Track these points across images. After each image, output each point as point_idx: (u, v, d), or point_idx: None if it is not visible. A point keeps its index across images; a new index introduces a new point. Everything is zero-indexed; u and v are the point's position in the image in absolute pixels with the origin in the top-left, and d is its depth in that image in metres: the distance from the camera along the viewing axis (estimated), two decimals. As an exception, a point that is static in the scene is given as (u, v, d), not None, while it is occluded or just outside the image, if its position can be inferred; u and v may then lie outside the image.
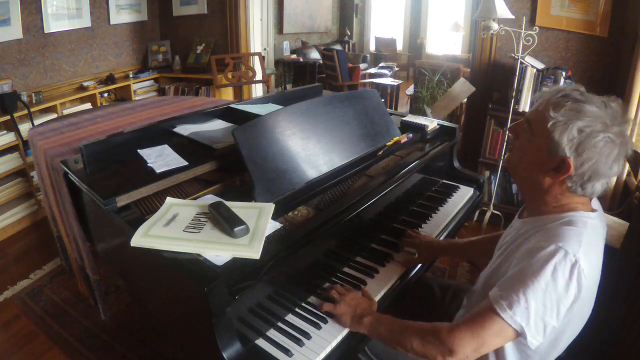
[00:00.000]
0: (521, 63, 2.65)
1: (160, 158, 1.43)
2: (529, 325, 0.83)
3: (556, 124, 0.87)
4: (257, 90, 4.47)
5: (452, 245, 1.46)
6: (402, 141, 1.66)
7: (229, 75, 3.42)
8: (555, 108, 0.88)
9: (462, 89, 2.96)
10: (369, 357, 1.20)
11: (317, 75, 6.59)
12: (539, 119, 0.91)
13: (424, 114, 3.47)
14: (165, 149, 1.51)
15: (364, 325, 1.03)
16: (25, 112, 2.90)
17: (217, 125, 1.77)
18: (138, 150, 1.49)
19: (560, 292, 0.83)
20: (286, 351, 1.01)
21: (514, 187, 2.97)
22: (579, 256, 0.83)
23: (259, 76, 3.66)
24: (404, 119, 1.88)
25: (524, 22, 2.53)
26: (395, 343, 0.97)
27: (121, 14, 3.92)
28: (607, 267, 1.80)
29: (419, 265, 1.39)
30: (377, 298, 1.20)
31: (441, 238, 1.54)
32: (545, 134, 0.89)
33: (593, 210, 0.95)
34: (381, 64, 7.08)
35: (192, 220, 1.11)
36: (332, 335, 1.06)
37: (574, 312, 0.89)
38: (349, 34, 8.50)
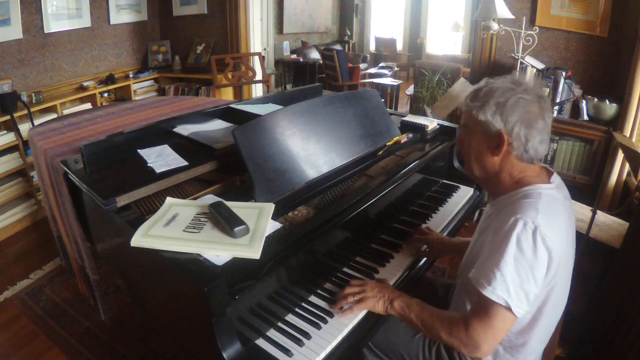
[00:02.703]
0: (521, 63, 2.66)
1: (160, 158, 1.43)
2: (511, 296, 0.90)
3: (478, 108, 1.00)
4: (257, 90, 4.47)
5: (464, 244, 1.46)
6: (402, 141, 1.66)
7: (229, 75, 3.42)
8: (472, 99, 1.02)
9: (462, 89, 2.96)
10: (373, 351, 1.21)
11: (317, 75, 6.58)
12: (467, 116, 1.05)
13: (424, 114, 3.47)
14: (165, 149, 1.51)
15: (395, 309, 1.08)
16: (25, 112, 2.90)
17: (217, 125, 1.77)
18: (138, 150, 1.49)
19: (530, 258, 0.90)
20: (286, 351, 1.01)
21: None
22: (537, 222, 0.91)
23: (259, 76, 3.66)
24: (404, 119, 1.88)
25: (524, 22, 2.53)
26: (425, 331, 1.03)
27: (121, 14, 3.92)
28: (607, 267, 1.81)
29: (422, 261, 1.40)
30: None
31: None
32: (475, 123, 1.02)
33: (548, 182, 1.02)
34: (381, 64, 7.08)
35: (192, 220, 1.11)
36: (332, 335, 1.06)
37: (552, 280, 0.95)
38: (349, 34, 8.50)
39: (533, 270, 0.90)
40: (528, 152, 0.98)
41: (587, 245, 1.96)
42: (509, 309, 0.90)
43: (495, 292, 0.90)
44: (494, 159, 1.02)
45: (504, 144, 0.98)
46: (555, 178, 1.04)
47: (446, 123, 1.90)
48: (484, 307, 0.93)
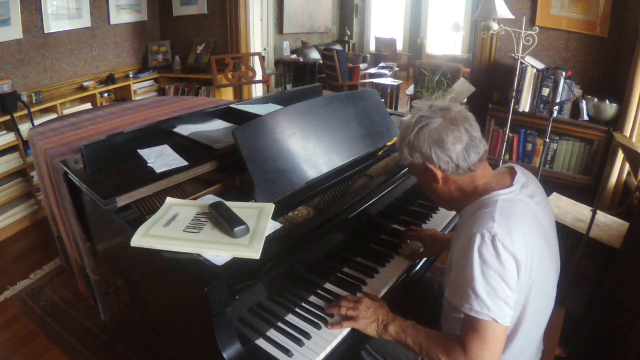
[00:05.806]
0: (521, 63, 2.66)
1: (160, 158, 1.43)
2: (491, 310, 0.89)
3: (400, 156, 1.07)
4: (257, 90, 4.47)
5: None
6: (402, 141, 1.65)
7: (229, 75, 3.42)
8: (395, 150, 1.11)
9: (462, 89, 2.96)
10: (371, 354, 1.21)
11: (317, 75, 6.57)
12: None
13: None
14: (165, 149, 1.51)
15: (390, 334, 1.04)
16: (25, 112, 2.90)
17: (217, 125, 1.77)
18: (138, 150, 1.49)
19: (496, 267, 0.89)
20: (286, 351, 1.01)
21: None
22: (495, 231, 0.90)
23: (259, 76, 3.66)
24: (404, 119, 1.87)
25: (524, 22, 2.53)
26: (423, 355, 1.00)
27: (121, 14, 3.92)
28: (607, 267, 1.80)
29: (422, 261, 1.40)
30: (377, 298, 1.20)
31: None
32: (408, 166, 1.09)
33: (509, 185, 1.01)
34: (381, 64, 7.08)
35: (192, 220, 1.11)
36: (332, 335, 1.06)
37: (529, 280, 0.94)
38: (349, 34, 8.49)
39: (504, 277, 0.90)
40: (460, 165, 0.99)
41: (587, 245, 1.96)
42: (495, 321, 0.90)
43: (473, 309, 0.90)
44: (439, 186, 1.05)
45: (435, 172, 1.01)
46: (520, 178, 1.04)
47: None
48: (471, 326, 0.92)
